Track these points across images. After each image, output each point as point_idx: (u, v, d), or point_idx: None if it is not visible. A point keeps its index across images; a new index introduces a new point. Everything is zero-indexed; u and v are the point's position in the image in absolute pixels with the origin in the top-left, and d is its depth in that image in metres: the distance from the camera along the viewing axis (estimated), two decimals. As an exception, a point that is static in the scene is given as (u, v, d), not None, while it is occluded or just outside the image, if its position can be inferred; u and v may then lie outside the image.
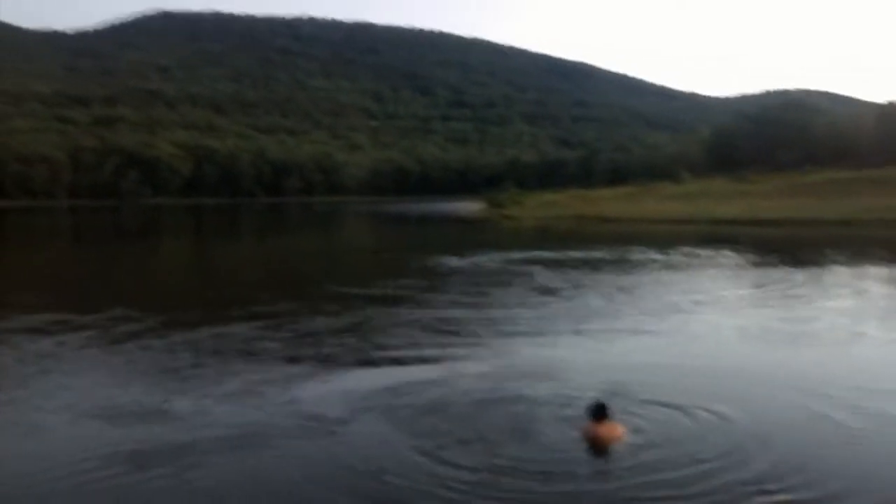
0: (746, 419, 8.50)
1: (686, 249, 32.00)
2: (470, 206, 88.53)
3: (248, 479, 7.06)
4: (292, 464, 7.41)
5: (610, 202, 73.98)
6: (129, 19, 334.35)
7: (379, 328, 14.74)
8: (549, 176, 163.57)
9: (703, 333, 14.12)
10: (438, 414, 8.86)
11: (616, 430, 7.89)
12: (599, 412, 7.99)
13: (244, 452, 7.68)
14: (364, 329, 14.59)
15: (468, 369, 11.08)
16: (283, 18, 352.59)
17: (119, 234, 60.10)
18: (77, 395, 9.96)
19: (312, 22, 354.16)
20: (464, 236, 50.00)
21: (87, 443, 8.06)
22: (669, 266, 25.75)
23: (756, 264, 27.31)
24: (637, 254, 30.15)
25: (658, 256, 29.00)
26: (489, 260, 27.75)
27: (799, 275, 22.87)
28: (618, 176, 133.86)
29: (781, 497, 6.48)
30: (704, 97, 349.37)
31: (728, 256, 29.48)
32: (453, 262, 27.14)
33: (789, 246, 35.15)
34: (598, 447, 7.71)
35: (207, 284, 24.62)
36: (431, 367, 11.25)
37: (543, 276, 22.60)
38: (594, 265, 26.12)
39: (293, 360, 11.95)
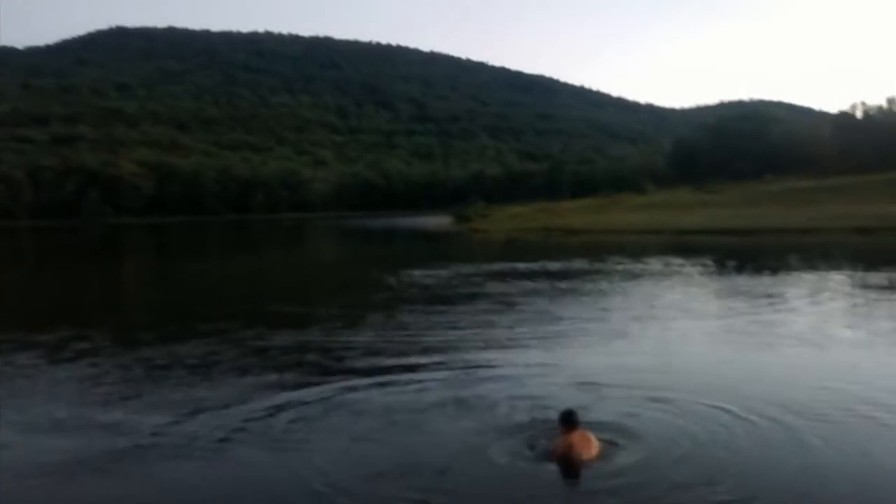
0: (727, 425, 8.42)
1: (653, 259, 32.38)
2: (437, 220, 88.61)
3: (174, 489, 7.24)
4: (219, 477, 7.44)
5: (576, 214, 74.56)
6: (83, 35, 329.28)
7: (341, 342, 14.38)
8: (514, 189, 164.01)
9: (678, 339, 14.23)
10: (390, 426, 8.74)
11: (590, 443, 7.44)
12: (568, 420, 7.55)
13: (173, 463, 7.77)
14: (322, 344, 14.29)
15: (433, 378, 11.04)
16: (240, 33, 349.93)
17: (77, 254, 58.95)
18: (23, 411, 9.84)
19: (270, 37, 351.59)
20: (433, 250, 49.96)
21: (31, 455, 8.06)
22: (639, 275, 26.01)
23: (722, 272, 27.69)
24: (606, 264, 30.39)
25: (627, 266, 29.26)
26: (458, 273, 27.74)
27: (764, 282, 23.27)
28: (583, 188, 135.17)
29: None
30: (662, 108, 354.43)
31: (695, 265, 29.87)
32: (425, 275, 27.09)
33: (753, 254, 35.71)
34: (570, 463, 7.22)
35: (163, 303, 24.00)
36: (396, 378, 11.10)
37: (512, 287, 22.66)
38: (565, 275, 26.28)
39: (243, 374, 11.82)
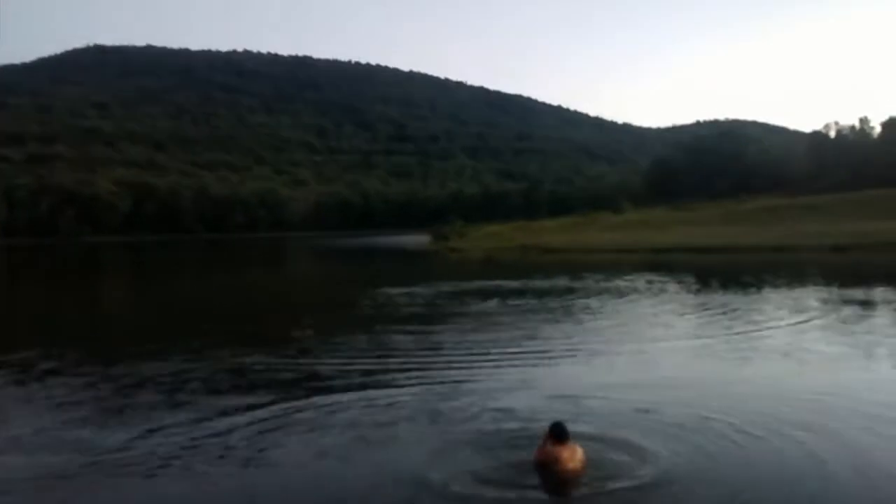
0: (720, 439, 8.41)
1: (629, 276, 32.49)
2: (415, 239, 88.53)
3: None
4: (185, 494, 7.41)
5: (553, 233, 74.87)
6: (60, 54, 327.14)
7: (315, 360, 14.21)
8: (492, 208, 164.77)
9: (659, 354, 14.15)
10: (359, 441, 8.69)
11: (577, 457, 7.24)
12: (557, 433, 7.33)
13: (140, 480, 7.70)
14: (297, 362, 14.04)
15: (410, 393, 11.02)
16: (219, 52, 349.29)
17: (51, 272, 58.14)
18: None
19: (249, 56, 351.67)
20: (412, 268, 49.86)
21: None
22: (615, 293, 26.02)
23: (699, 290, 27.81)
24: (584, 282, 30.46)
25: (603, 284, 29.31)
26: (436, 291, 27.68)
27: (741, 298, 23.39)
28: (560, 207, 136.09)
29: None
30: (638, 128, 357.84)
31: (671, 282, 30.00)
32: (402, 293, 26.97)
33: (729, 272, 35.95)
34: (554, 473, 7.07)
35: (136, 322, 23.64)
36: (371, 394, 11.01)
37: (489, 305, 22.59)
38: (543, 293, 26.25)
39: (214, 392, 11.74)
